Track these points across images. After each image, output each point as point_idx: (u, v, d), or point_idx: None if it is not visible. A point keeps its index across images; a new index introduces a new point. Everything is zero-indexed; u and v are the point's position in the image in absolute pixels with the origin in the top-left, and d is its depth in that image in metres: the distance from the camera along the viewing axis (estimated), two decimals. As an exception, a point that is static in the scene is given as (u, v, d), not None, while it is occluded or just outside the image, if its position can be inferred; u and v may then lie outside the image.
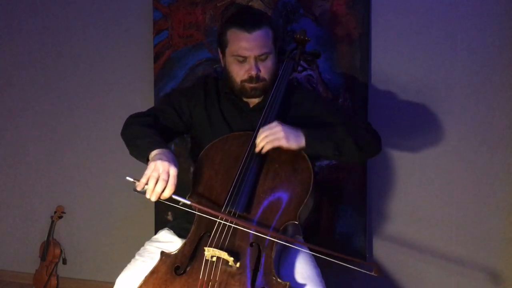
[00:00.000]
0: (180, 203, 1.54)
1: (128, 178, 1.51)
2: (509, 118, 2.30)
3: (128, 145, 1.75)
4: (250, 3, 2.49)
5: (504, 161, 2.32)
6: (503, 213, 2.33)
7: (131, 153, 1.74)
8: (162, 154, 1.57)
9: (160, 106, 1.96)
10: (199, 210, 1.59)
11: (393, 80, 2.40)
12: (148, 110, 1.94)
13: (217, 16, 2.54)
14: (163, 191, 1.50)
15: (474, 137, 2.34)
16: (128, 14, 2.72)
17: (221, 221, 1.56)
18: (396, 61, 2.39)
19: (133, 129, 1.75)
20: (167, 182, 1.50)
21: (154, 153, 1.60)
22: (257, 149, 1.69)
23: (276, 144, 1.66)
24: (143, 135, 1.70)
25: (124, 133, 1.79)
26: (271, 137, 1.66)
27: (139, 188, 1.51)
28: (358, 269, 1.48)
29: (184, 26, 2.59)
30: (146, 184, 1.50)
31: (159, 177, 1.50)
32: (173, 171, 1.52)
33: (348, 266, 1.49)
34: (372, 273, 1.48)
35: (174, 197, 1.51)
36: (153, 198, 1.50)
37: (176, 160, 1.58)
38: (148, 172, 1.51)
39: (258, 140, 1.68)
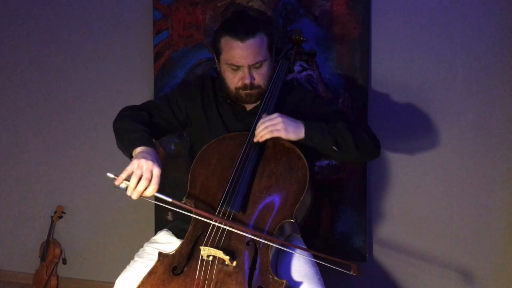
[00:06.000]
0: (169, 203, 1.50)
1: (108, 174, 1.49)
2: (509, 118, 2.29)
3: (116, 137, 1.75)
4: (250, 3, 2.48)
5: (503, 162, 2.31)
6: (503, 213, 2.32)
7: (118, 146, 1.74)
8: (147, 153, 1.56)
9: (157, 102, 1.95)
10: (195, 213, 1.58)
11: (393, 80, 2.39)
12: (144, 104, 1.93)
13: (217, 16, 2.53)
14: (145, 189, 1.48)
15: (474, 137, 2.33)
16: (128, 14, 2.72)
17: (215, 223, 1.55)
18: (396, 61, 2.39)
19: (124, 122, 1.75)
20: (150, 181, 1.49)
21: (138, 150, 1.59)
22: (256, 139, 1.69)
23: (275, 134, 1.66)
24: (132, 130, 1.69)
25: (115, 124, 1.79)
26: (271, 127, 1.66)
27: (117, 183, 1.49)
28: (336, 267, 1.51)
29: (184, 26, 2.59)
30: (127, 180, 1.48)
31: (141, 176, 1.48)
32: (156, 171, 1.50)
33: (329, 266, 1.52)
34: (351, 273, 1.50)
35: (158, 195, 1.49)
36: (134, 196, 1.48)
37: (159, 160, 1.56)
38: (129, 168, 1.50)
39: (257, 130, 1.69)
